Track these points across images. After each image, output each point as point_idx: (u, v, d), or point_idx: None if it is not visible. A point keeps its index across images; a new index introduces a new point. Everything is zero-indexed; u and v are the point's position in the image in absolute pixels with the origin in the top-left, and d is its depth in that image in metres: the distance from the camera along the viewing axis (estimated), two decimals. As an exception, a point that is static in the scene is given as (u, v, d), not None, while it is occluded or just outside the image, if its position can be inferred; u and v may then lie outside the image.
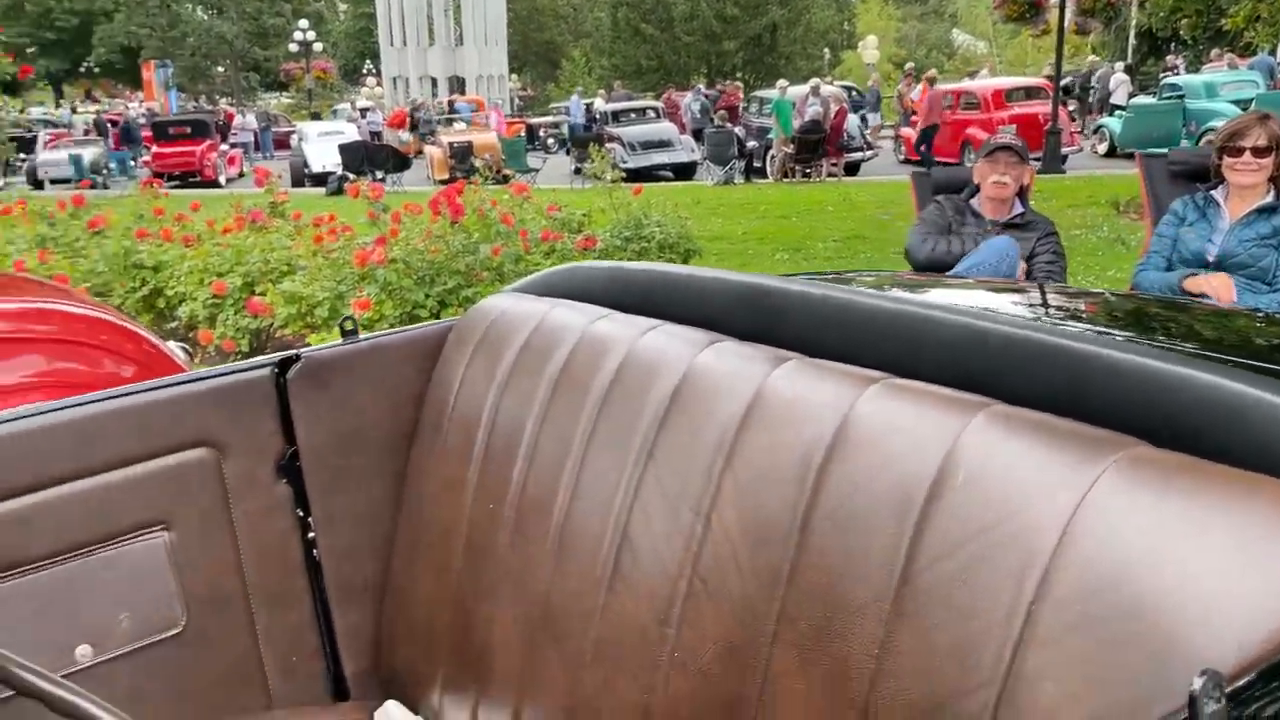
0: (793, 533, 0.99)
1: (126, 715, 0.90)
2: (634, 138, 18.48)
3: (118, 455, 1.51)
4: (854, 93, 23.65)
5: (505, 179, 11.94)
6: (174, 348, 3.36)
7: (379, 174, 16.29)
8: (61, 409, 1.47)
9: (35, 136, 24.10)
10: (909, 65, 24.63)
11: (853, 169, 17.26)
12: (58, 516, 1.45)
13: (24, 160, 22.30)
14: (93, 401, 1.50)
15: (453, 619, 1.50)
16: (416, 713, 1.56)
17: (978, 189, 3.84)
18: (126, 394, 1.55)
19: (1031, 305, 1.67)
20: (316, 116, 29.24)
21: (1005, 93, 17.24)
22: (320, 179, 18.64)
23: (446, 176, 16.96)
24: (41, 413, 1.46)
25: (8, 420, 1.43)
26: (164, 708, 1.58)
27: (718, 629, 1.04)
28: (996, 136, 4.00)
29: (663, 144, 18.59)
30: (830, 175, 16.48)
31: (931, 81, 17.89)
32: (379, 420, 1.71)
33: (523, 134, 21.55)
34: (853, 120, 17.73)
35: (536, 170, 17.21)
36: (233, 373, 1.63)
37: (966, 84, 19.59)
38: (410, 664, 1.61)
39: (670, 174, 18.08)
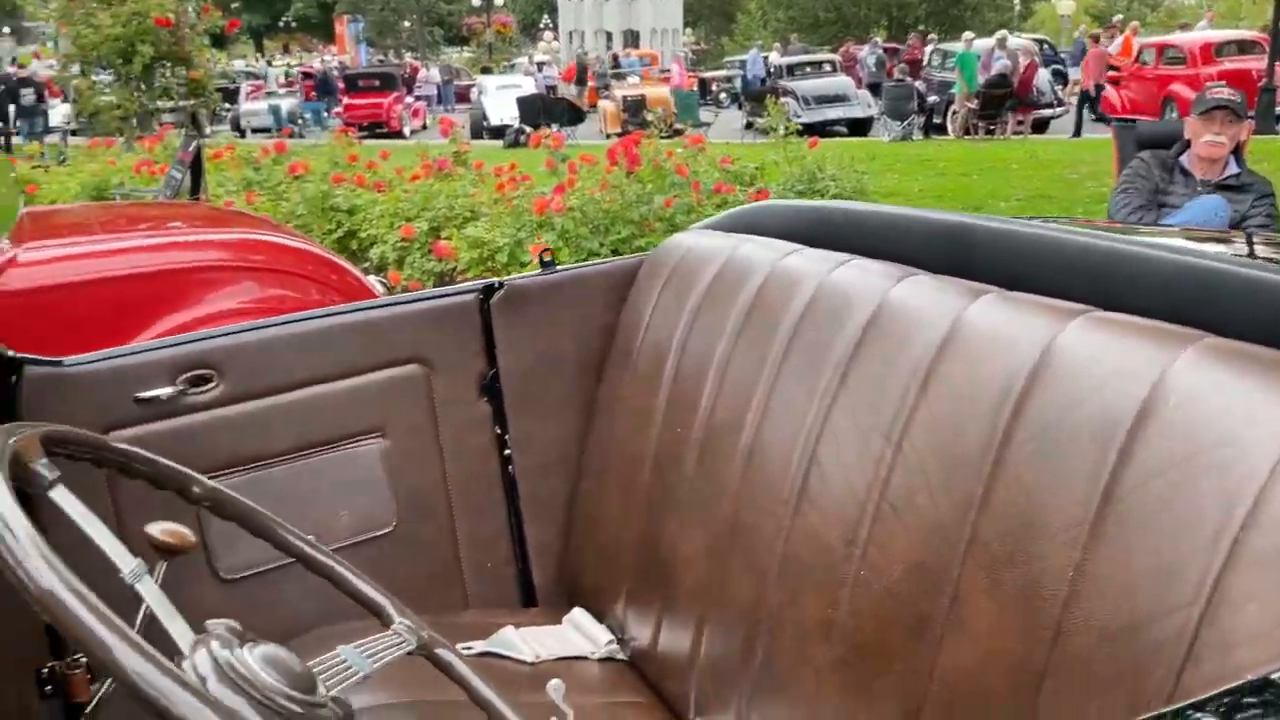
0: (987, 459, 1.01)
1: (373, 581, 1.01)
2: (808, 92, 18.14)
3: (344, 366, 1.65)
4: (1045, 46, 22.43)
5: (677, 133, 12.00)
6: (374, 282, 3.58)
7: (554, 127, 16.62)
8: (301, 320, 1.63)
9: (238, 88, 25.69)
10: (1116, 18, 23.08)
11: (1040, 126, 16.43)
12: (293, 418, 1.61)
13: (228, 110, 23.81)
14: (325, 316, 1.65)
15: (639, 536, 1.58)
16: (601, 622, 1.66)
17: (1188, 145, 3.62)
18: (352, 310, 1.69)
19: (1237, 253, 1.60)
20: (487, 71, 29.96)
21: (1215, 47, 15.98)
22: (498, 131, 19.14)
23: (619, 130, 17.12)
24: (285, 323, 1.62)
25: (256, 329, 1.59)
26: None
27: (906, 550, 1.07)
28: (1209, 93, 3.75)
29: (838, 98, 18.18)
30: (1016, 132, 15.75)
31: (1096, 39, 16.74)
32: (572, 347, 1.80)
33: (695, 88, 21.49)
34: (1042, 75, 16.85)
35: (708, 124, 17.14)
36: (443, 296, 1.76)
37: (1172, 37, 18.28)
38: (596, 577, 1.71)
39: (844, 129, 17.68)
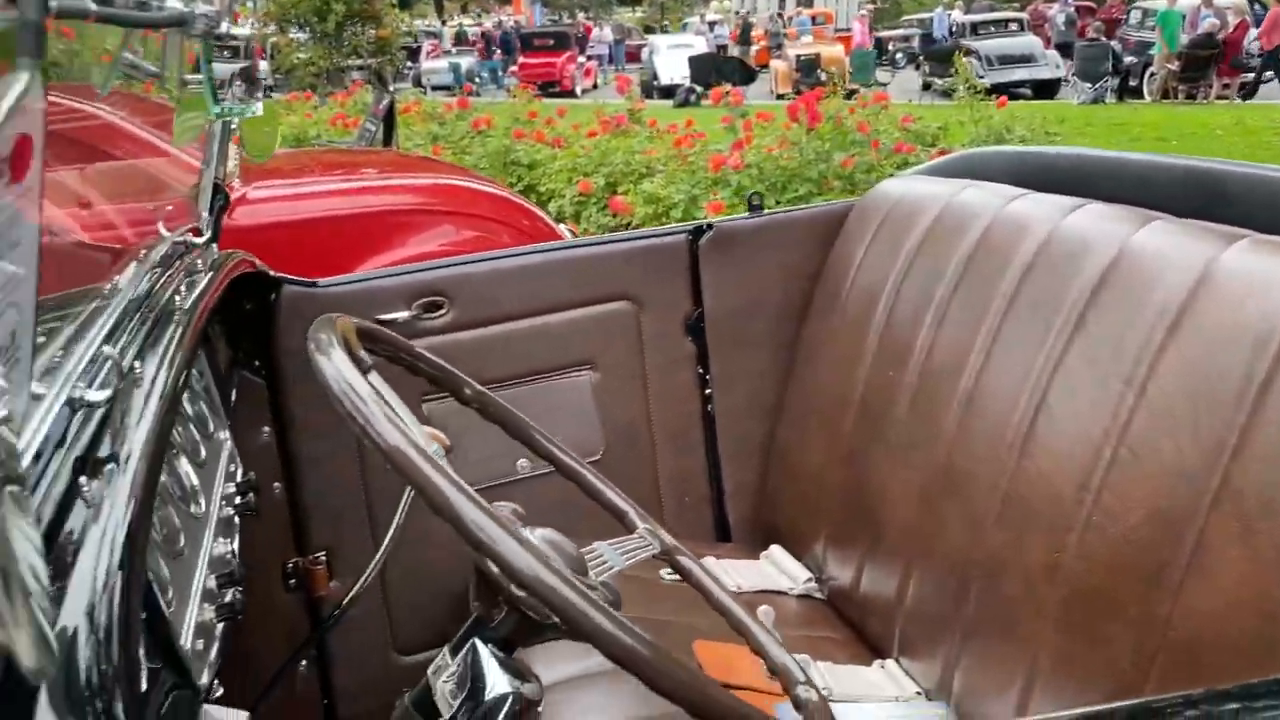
0: (1244, 405, 0.97)
1: (617, 488, 1.07)
2: (992, 51, 17.36)
3: (560, 300, 1.73)
4: (1256, 4, 20.71)
5: (851, 94, 11.70)
6: (563, 229, 3.69)
7: (726, 87, 16.52)
8: (523, 255, 1.71)
9: (420, 46, 26.59)
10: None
11: (1249, 91, 15.24)
12: (513, 347, 1.69)
13: (410, 68, 24.69)
14: (544, 251, 1.73)
15: (842, 478, 1.59)
16: (799, 560, 1.69)
17: None
18: (569, 247, 1.76)
19: None
20: (651, 30, 29.98)
21: None
22: (667, 91, 19.16)
23: (789, 90, 16.86)
24: (508, 256, 1.70)
25: (483, 261, 1.68)
26: (578, 521, 1.83)
27: (1145, 495, 1.05)
28: None
29: (1024, 59, 17.34)
30: (1220, 97, 14.67)
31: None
32: (776, 290, 1.82)
33: (871, 47, 20.92)
34: (1253, 35, 15.59)
35: (884, 84, 16.70)
36: (653, 236, 1.80)
37: None
38: (793, 517, 1.73)
39: (1029, 92, 16.87)
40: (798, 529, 1.71)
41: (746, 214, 1.85)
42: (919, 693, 1.35)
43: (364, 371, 0.87)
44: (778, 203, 5.86)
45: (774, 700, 1.29)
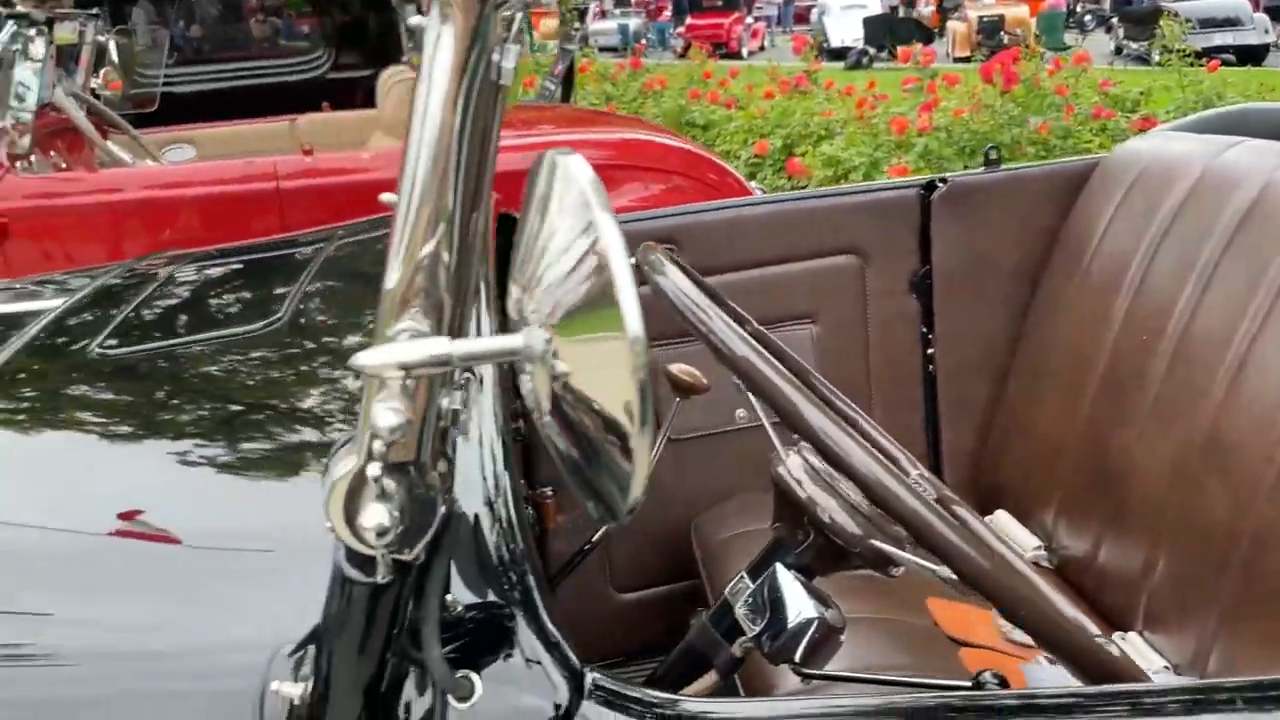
0: None
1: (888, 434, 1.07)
2: (1194, 13, 16.11)
3: (784, 252, 1.72)
4: None
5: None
6: (754, 187, 3.67)
7: (917, 46, 16.03)
8: (752, 205, 1.72)
9: (588, 7, 26.88)
10: None
11: None
12: (734, 297, 1.67)
13: (578, 29, 24.99)
14: (773, 202, 1.73)
15: (1080, 444, 1.54)
16: (1026, 528, 1.64)
17: None
18: (794, 199, 1.76)
19: None
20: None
21: None
22: (837, 54, 18.72)
23: (968, 54, 16.19)
24: (737, 206, 1.72)
25: (714, 210, 1.69)
26: None
27: None
28: None
29: (1229, 22, 16.11)
30: None
31: None
32: (1010, 248, 1.76)
33: (1061, 8, 19.88)
34: None
35: (1072, 48, 15.84)
36: (883, 189, 1.77)
37: None
38: (1019, 482, 1.68)
39: (1233, 58, 15.69)
40: (1026, 494, 1.66)
41: (982, 168, 1.80)
42: (1167, 667, 1.30)
43: None
44: (965, 168, 5.66)
45: (1017, 662, 1.27)
